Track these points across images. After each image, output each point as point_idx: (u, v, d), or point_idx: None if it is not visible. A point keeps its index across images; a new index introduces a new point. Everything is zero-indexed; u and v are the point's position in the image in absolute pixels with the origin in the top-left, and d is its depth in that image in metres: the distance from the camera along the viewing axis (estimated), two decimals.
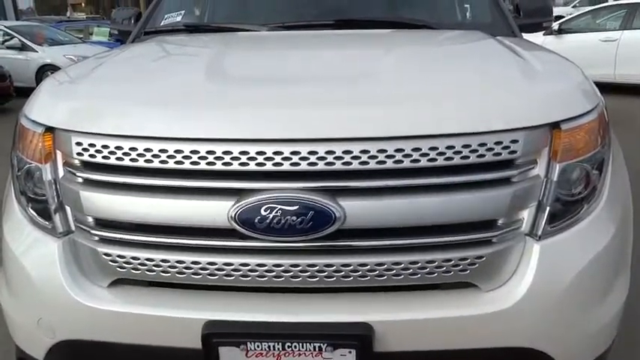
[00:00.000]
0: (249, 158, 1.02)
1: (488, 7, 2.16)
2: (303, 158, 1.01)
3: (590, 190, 1.17)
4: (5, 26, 10.23)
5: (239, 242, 1.04)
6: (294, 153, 1.01)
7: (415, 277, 1.04)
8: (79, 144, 1.12)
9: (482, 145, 1.03)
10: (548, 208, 1.10)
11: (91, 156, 1.11)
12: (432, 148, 1.02)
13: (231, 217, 1.01)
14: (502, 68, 1.35)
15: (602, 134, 1.23)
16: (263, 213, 0.99)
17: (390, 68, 1.30)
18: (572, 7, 25.16)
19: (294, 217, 0.99)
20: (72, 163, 1.14)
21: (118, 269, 1.10)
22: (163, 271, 1.07)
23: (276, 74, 1.36)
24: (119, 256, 1.09)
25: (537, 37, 8.11)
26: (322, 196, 1.00)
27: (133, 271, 1.09)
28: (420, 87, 1.20)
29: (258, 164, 1.02)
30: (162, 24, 2.20)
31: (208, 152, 1.03)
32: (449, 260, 1.03)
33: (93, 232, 1.12)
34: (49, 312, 1.15)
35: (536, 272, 1.06)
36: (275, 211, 0.99)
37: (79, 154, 1.12)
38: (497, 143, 1.04)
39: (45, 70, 8.94)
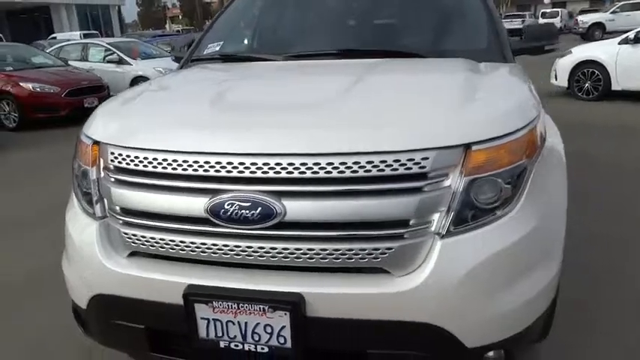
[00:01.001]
0: (221, 167, 1.40)
1: (485, 35, 2.40)
2: (259, 168, 1.38)
3: (502, 199, 1.42)
4: (107, 43, 11.59)
5: (211, 228, 1.42)
6: (252, 164, 1.38)
7: (337, 261, 1.36)
8: (112, 153, 1.57)
9: (396, 160, 1.34)
10: (453, 213, 1.37)
11: (119, 162, 1.55)
12: (355, 163, 1.34)
13: (206, 209, 1.39)
14: (441, 95, 1.62)
15: (527, 151, 1.48)
16: (226, 207, 1.37)
17: (345, 96, 1.64)
18: (611, 12, 23.30)
19: (247, 211, 1.36)
20: (108, 167, 1.59)
21: (133, 244, 1.53)
22: (161, 247, 1.49)
23: (255, 101, 1.73)
24: (133, 235, 1.52)
25: (613, 46, 7.87)
26: (270, 196, 1.36)
27: (142, 246, 1.52)
28: (357, 112, 1.52)
29: (227, 171, 1.40)
30: (204, 53, 2.68)
31: (194, 162, 1.43)
32: (364, 249, 1.35)
33: (118, 217, 1.56)
34: (88, 273, 1.61)
35: (436, 263, 1.34)
36: (234, 206, 1.37)
37: (112, 160, 1.57)
38: (410, 160, 1.34)
39: (137, 81, 10.04)
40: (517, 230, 1.43)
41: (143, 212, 1.51)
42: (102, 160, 1.63)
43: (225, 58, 2.53)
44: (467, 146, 1.40)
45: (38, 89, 8.52)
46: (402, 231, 1.35)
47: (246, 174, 1.38)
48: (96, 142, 1.65)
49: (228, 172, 1.40)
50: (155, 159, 1.48)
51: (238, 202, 1.37)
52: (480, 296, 1.38)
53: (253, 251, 1.40)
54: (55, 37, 22.24)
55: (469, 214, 1.40)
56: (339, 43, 2.42)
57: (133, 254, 1.56)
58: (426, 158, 1.35)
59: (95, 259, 1.57)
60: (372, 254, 1.35)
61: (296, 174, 1.36)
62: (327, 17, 2.69)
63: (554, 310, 1.68)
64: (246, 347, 1.43)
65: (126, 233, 1.54)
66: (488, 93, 1.67)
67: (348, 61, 2.20)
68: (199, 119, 1.59)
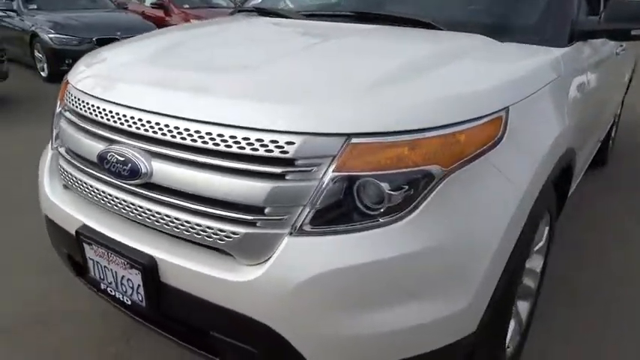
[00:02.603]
0: (117, 117, 1.42)
1: (527, 10, 1.94)
2: (142, 124, 1.35)
3: (386, 206, 1.19)
4: None
5: (98, 173, 1.47)
6: (139, 119, 1.37)
7: (187, 233, 1.30)
8: (68, 91, 1.69)
9: (258, 140, 1.20)
10: (313, 210, 1.19)
11: (67, 100, 1.67)
12: (219, 135, 1.23)
13: (97, 155, 1.44)
14: (360, 76, 1.36)
15: (438, 156, 1.21)
16: (108, 157, 1.40)
17: (274, 63, 1.49)
18: None
19: (121, 165, 1.36)
20: (64, 103, 1.72)
21: (62, 177, 1.66)
22: (74, 185, 1.59)
23: (193, 60, 1.64)
24: (63, 168, 1.65)
25: None
26: (142, 154, 1.34)
27: (68, 181, 1.63)
28: (260, 82, 1.37)
29: (120, 123, 1.41)
30: (250, 4, 2.66)
31: (103, 109, 1.47)
32: (211, 228, 1.26)
33: (59, 149, 1.69)
34: (40, 195, 1.79)
35: (275, 260, 1.20)
36: (113, 158, 1.38)
37: (66, 97, 1.69)
38: (273, 142, 1.19)
39: None
40: (397, 245, 1.19)
41: (69, 149, 1.62)
42: (65, 97, 1.76)
43: (259, 10, 2.47)
44: (347, 137, 1.18)
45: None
46: (253, 217, 1.22)
47: (132, 128, 1.37)
48: (67, 81, 1.79)
49: (121, 123, 1.41)
50: (83, 101, 1.56)
51: (116, 155, 1.38)
52: (330, 309, 1.20)
53: (126, 205, 1.41)
54: None
55: (335, 216, 1.20)
56: (367, 6, 2.20)
57: (66, 186, 1.70)
58: (292, 143, 1.18)
59: (42, 184, 1.75)
60: (217, 235, 1.26)
61: (168, 137, 1.30)
62: None
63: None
64: (117, 295, 1.48)
65: (60, 166, 1.67)
66: (422, 80, 1.36)
67: (348, 26, 1.98)
68: (126, 71, 1.60)
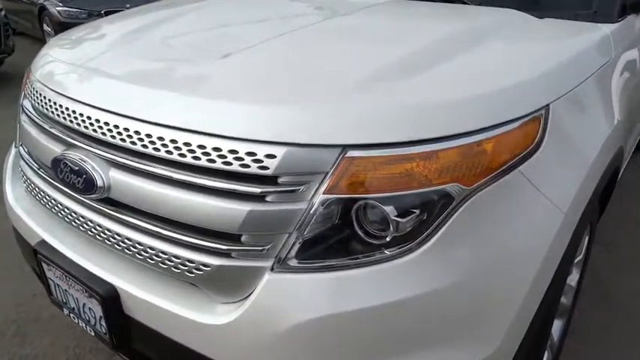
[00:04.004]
0: (74, 116, 1.18)
1: None
2: (99, 126, 1.12)
3: (392, 235, 0.94)
4: None
5: (52, 180, 1.25)
6: (96, 120, 1.13)
7: (151, 261, 1.07)
8: (28, 80, 1.46)
9: (232, 151, 0.95)
10: (300, 241, 0.95)
11: (27, 91, 1.44)
12: (186, 143, 0.99)
13: (51, 161, 1.21)
14: (363, 68, 1.09)
15: (459, 170, 0.96)
16: (62, 166, 1.17)
17: (256, 53, 1.22)
18: None
19: (75, 176, 1.13)
20: (27, 97, 1.49)
21: (22, 178, 1.45)
22: (30, 187, 1.37)
23: (166, 51, 1.35)
24: (22, 170, 1.43)
25: None
26: (98, 164, 1.11)
27: (25, 184, 1.42)
28: (233, 76, 1.11)
29: (77, 123, 1.17)
30: None
31: (60, 105, 1.23)
32: (177, 257, 1.03)
33: (20, 148, 1.47)
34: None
35: (253, 303, 0.97)
36: (66, 166, 1.15)
37: (27, 88, 1.46)
38: (249, 154, 0.94)
39: None
40: (406, 285, 0.94)
41: (25, 146, 1.40)
42: (26, 88, 1.53)
43: None
44: (342, 149, 0.93)
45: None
46: (228, 247, 0.99)
47: (89, 131, 1.14)
48: (30, 70, 1.55)
49: (78, 124, 1.17)
50: (41, 94, 1.32)
51: (70, 164, 1.15)
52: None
53: (85, 222, 1.19)
54: None
55: (328, 247, 0.96)
56: None
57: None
58: (273, 156, 0.93)
59: (4, 186, 1.54)
60: (185, 266, 1.03)
61: (128, 143, 1.06)
62: None
63: None
64: (81, 324, 1.28)
65: (20, 165, 1.45)
66: (439, 73, 1.07)
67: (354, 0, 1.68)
68: (87, 60, 1.33)
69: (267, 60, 1.18)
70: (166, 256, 1.04)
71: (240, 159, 0.94)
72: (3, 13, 6.00)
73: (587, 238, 1.59)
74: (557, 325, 1.66)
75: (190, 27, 1.55)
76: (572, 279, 1.66)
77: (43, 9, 7.38)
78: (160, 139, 1.01)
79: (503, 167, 1.00)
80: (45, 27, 7.47)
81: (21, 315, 2.03)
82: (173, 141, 1.00)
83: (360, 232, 0.96)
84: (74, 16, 7.08)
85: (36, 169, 1.34)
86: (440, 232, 0.95)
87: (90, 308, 1.20)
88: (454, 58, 1.14)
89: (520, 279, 1.03)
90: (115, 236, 1.12)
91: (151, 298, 1.08)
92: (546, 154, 1.05)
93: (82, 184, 1.12)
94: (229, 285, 1.01)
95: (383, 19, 1.50)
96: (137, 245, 1.08)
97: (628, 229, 2.63)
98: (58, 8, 7.13)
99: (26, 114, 1.41)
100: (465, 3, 1.54)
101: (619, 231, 2.61)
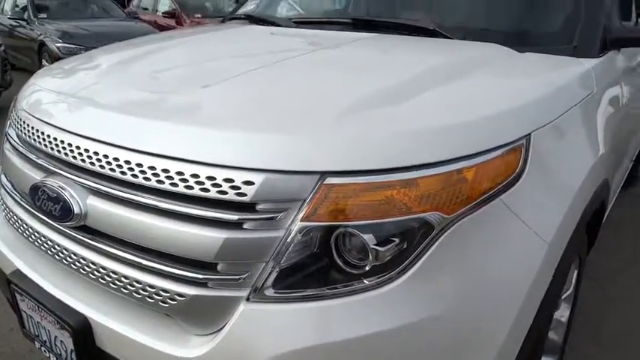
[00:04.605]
0: (56, 144, 1.17)
1: (555, 16, 1.66)
2: (80, 153, 1.11)
3: (371, 264, 0.92)
4: None
5: (30, 208, 1.23)
6: (76, 147, 1.12)
7: (125, 291, 1.04)
8: (15, 111, 1.46)
9: (210, 178, 0.94)
10: (277, 270, 0.93)
11: (13, 121, 1.43)
12: (164, 170, 0.98)
13: (30, 188, 1.19)
14: (342, 96, 1.10)
15: (439, 199, 0.94)
16: (39, 193, 1.15)
17: (239, 82, 1.23)
18: None
19: (52, 203, 1.11)
20: (11, 125, 1.48)
21: (1, 207, 1.42)
22: (8, 215, 1.35)
23: (149, 80, 1.35)
24: (2, 198, 1.40)
25: None
26: (76, 191, 1.09)
27: (3, 210, 1.40)
28: (214, 105, 1.11)
29: (57, 150, 1.16)
30: (241, 11, 2.41)
31: (42, 132, 1.22)
32: (152, 287, 1.00)
33: (1, 175, 1.45)
34: None
35: (227, 334, 0.93)
36: (44, 193, 1.13)
37: (12, 117, 1.46)
38: (227, 180, 0.93)
39: None
40: (386, 316, 0.92)
41: (6, 174, 1.39)
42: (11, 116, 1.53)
43: (249, 18, 2.22)
44: (321, 176, 0.92)
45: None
46: (204, 277, 0.96)
47: (69, 157, 1.12)
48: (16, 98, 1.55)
49: (58, 151, 1.16)
50: (24, 122, 1.31)
51: (48, 191, 1.13)
52: None
53: (60, 251, 1.16)
54: None
55: (305, 277, 0.93)
56: (367, 11, 1.92)
57: None
58: (250, 183, 0.92)
59: None
60: (160, 296, 1.00)
61: (106, 169, 1.05)
62: None
63: None
64: (52, 358, 1.23)
65: (1, 194, 1.43)
66: (420, 103, 1.08)
67: (342, 35, 1.70)
68: (71, 88, 1.33)
69: (247, 90, 1.19)
70: (140, 286, 1.01)
71: (218, 185, 0.93)
72: (2, 48, 6.09)
73: (575, 272, 1.57)
74: None
75: (173, 59, 1.56)
76: (563, 315, 1.63)
77: (42, 45, 7.50)
78: (139, 165, 1.00)
79: (484, 196, 0.99)
80: (44, 63, 7.56)
81: None
82: (151, 167, 0.99)
83: (338, 260, 0.94)
84: (73, 52, 7.16)
85: (16, 198, 1.32)
86: (420, 262, 0.93)
87: (61, 341, 1.16)
88: (435, 89, 1.14)
89: (505, 309, 1.00)
90: (90, 265, 1.09)
91: (123, 330, 1.04)
92: (528, 183, 1.04)
93: (59, 211, 1.10)
94: (204, 316, 0.97)
95: (368, 52, 1.52)
96: (111, 274, 1.05)
97: (616, 267, 2.61)
98: (57, 44, 7.25)
99: (10, 142, 1.40)
100: (448, 37, 1.56)
101: (611, 267, 2.58)
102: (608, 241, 2.68)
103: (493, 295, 0.99)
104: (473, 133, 1.01)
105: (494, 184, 1.00)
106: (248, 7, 2.41)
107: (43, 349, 1.25)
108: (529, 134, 1.08)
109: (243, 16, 2.25)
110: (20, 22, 8.26)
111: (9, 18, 8.65)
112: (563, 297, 1.52)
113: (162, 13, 10.30)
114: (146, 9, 11.10)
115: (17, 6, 8.67)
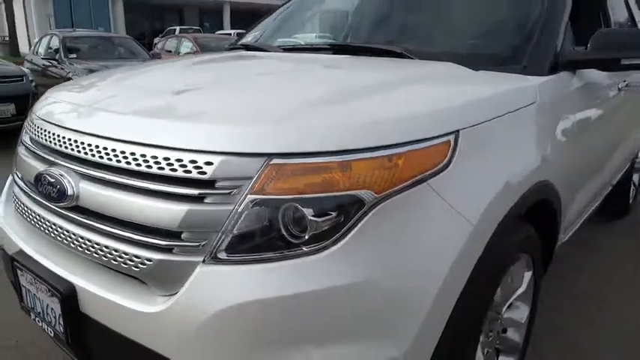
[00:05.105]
0: (55, 139, 1.39)
1: (511, 39, 1.86)
2: (76, 145, 1.31)
3: (310, 233, 1.08)
4: None
5: (34, 195, 1.43)
6: (74, 141, 1.32)
7: (105, 259, 1.21)
8: (31, 120, 1.69)
9: (178, 160, 1.13)
10: (229, 237, 1.09)
11: (27, 126, 1.66)
12: (142, 155, 1.17)
13: (34, 177, 1.39)
14: (292, 98, 1.31)
15: (368, 179, 1.10)
16: (42, 180, 1.35)
17: (219, 87, 1.45)
18: None
19: (51, 187, 1.31)
20: (26, 132, 1.71)
21: (12, 199, 1.63)
22: (17, 205, 1.55)
23: (137, 89, 1.60)
24: (14, 192, 1.61)
25: None
26: (71, 176, 1.29)
27: (15, 203, 1.60)
28: (196, 104, 1.32)
29: (55, 143, 1.37)
30: (240, 42, 2.67)
31: (48, 131, 1.44)
32: (127, 254, 1.17)
33: (14, 174, 1.67)
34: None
35: (185, 291, 1.09)
36: (46, 179, 1.34)
37: (27, 126, 1.69)
38: (192, 162, 1.11)
39: None
40: (319, 278, 1.06)
41: (18, 172, 1.60)
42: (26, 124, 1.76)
43: (245, 47, 2.47)
44: (267, 157, 1.09)
45: None
46: (168, 243, 1.13)
47: (67, 149, 1.33)
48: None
49: (59, 145, 1.37)
50: (36, 125, 1.54)
51: (48, 177, 1.33)
52: (236, 347, 1.07)
53: (56, 229, 1.35)
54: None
55: (253, 243, 1.09)
56: (342, 38, 2.16)
57: None
58: (210, 163, 1.10)
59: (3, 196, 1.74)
60: (133, 261, 1.17)
61: (97, 157, 1.25)
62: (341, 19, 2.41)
63: None
64: (44, 326, 1.39)
65: (13, 190, 1.64)
66: (363, 101, 1.28)
67: (319, 57, 1.93)
68: (73, 97, 1.58)
69: (215, 94, 1.41)
70: (118, 253, 1.19)
71: (185, 166, 1.11)
72: (33, 84, 6.55)
73: (529, 273, 1.68)
74: None
75: (161, 75, 1.81)
76: (520, 316, 1.72)
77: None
78: (122, 152, 1.20)
79: (414, 179, 1.14)
80: None
81: None
82: (132, 154, 1.18)
83: (283, 230, 1.10)
84: None
85: (24, 189, 1.52)
86: (352, 233, 1.08)
87: (52, 308, 1.32)
88: (381, 94, 1.33)
89: (429, 280, 1.14)
90: (78, 239, 1.27)
91: (101, 292, 1.21)
92: (456, 171, 1.20)
93: (57, 193, 1.29)
94: (167, 278, 1.13)
95: (334, 68, 1.73)
96: (95, 245, 1.23)
97: (571, 306, 2.66)
98: None
99: (24, 145, 1.62)
100: (412, 58, 1.76)
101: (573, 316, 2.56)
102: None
103: (418, 266, 1.13)
104: (403, 127, 1.18)
105: (423, 170, 1.16)
106: (247, 38, 2.66)
107: (37, 319, 1.42)
108: (457, 131, 1.24)
109: (239, 45, 2.51)
110: (52, 62, 8.83)
111: (42, 58, 9.27)
112: (515, 295, 1.63)
113: (184, 54, 10.87)
114: (169, 51, 11.73)
115: (50, 48, 9.32)
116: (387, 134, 1.15)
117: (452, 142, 1.23)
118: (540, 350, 2.07)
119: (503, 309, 1.59)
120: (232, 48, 2.61)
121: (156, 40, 14.48)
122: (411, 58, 1.79)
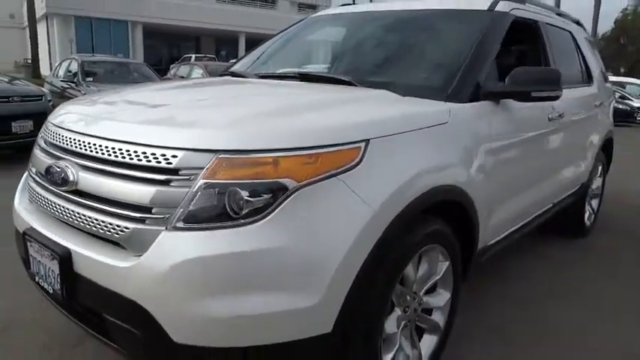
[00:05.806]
0: (63, 139, 1.79)
1: (441, 72, 2.26)
2: (78, 143, 1.71)
3: (246, 210, 1.45)
4: None
5: (44, 183, 1.82)
6: (72, 139, 1.73)
7: (94, 229, 1.59)
8: (46, 126, 2.10)
9: (152, 154, 1.52)
10: (186, 210, 1.46)
11: (42, 131, 2.07)
12: (127, 151, 1.56)
13: (45, 168, 1.79)
14: (247, 110, 1.74)
15: (290, 171, 1.48)
16: (50, 170, 1.75)
17: (199, 103, 1.86)
18: None
19: (57, 175, 1.71)
20: (41, 136, 2.12)
21: (28, 192, 2.03)
22: (30, 194, 1.95)
23: (131, 103, 2.02)
24: (28, 184, 2.01)
25: None
26: (73, 166, 1.68)
27: (29, 193, 1.99)
28: (174, 114, 1.73)
29: (61, 142, 1.78)
30: (229, 69, 3.11)
31: (57, 133, 1.85)
32: (111, 224, 1.55)
33: (29, 169, 2.07)
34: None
35: (151, 250, 1.46)
36: (53, 169, 1.73)
37: (42, 131, 2.10)
38: (162, 155, 1.50)
39: None
40: (251, 242, 1.43)
41: (32, 167, 2.00)
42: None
43: (232, 74, 2.91)
44: (216, 153, 1.47)
45: None
46: (141, 215, 1.51)
47: (72, 147, 1.74)
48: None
49: (65, 143, 1.78)
50: (49, 130, 1.95)
51: (56, 167, 1.73)
52: (187, 292, 1.43)
53: (59, 208, 1.73)
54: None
55: (204, 216, 1.46)
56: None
57: None
58: (175, 156, 1.48)
59: (15, 199, 2.13)
60: (114, 229, 1.54)
61: (93, 152, 1.65)
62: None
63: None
64: (45, 286, 1.76)
65: (27, 183, 2.04)
66: (297, 114, 1.70)
67: (282, 82, 2.36)
68: (81, 107, 2.01)
69: (190, 107, 1.82)
70: (104, 224, 1.57)
71: (156, 158, 1.50)
72: (51, 103, 7.07)
73: (447, 263, 2.02)
74: (430, 340, 2.04)
75: (145, 94, 2.24)
76: (441, 301, 2.06)
77: None
78: (112, 148, 1.59)
79: (328, 173, 1.52)
80: None
81: None
82: (120, 149, 1.57)
83: (227, 207, 1.46)
84: None
85: (36, 179, 1.92)
86: (277, 210, 1.45)
87: (52, 270, 1.70)
88: (315, 110, 1.73)
89: (336, 247, 1.49)
90: (76, 214, 1.66)
91: (90, 254, 1.58)
92: (363, 170, 1.57)
93: (61, 180, 1.69)
94: (140, 242, 1.50)
95: (288, 90, 2.13)
96: (88, 219, 1.62)
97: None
98: None
99: (39, 146, 2.03)
100: (356, 86, 2.16)
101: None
102: None
103: (326, 238, 1.49)
104: (320, 134, 1.56)
105: (337, 167, 1.54)
106: (235, 66, 3.10)
107: (40, 281, 1.79)
108: (368, 139, 1.62)
109: (228, 72, 2.94)
110: (70, 84, 9.46)
111: (61, 80, 9.90)
112: (432, 281, 1.96)
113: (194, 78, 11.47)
114: (182, 76, 12.36)
115: (70, 71, 9.97)
116: (308, 139, 1.53)
117: (362, 148, 1.60)
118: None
119: (422, 291, 1.93)
120: (222, 74, 3.04)
121: (172, 66, 15.24)
122: (355, 86, 2.19)
